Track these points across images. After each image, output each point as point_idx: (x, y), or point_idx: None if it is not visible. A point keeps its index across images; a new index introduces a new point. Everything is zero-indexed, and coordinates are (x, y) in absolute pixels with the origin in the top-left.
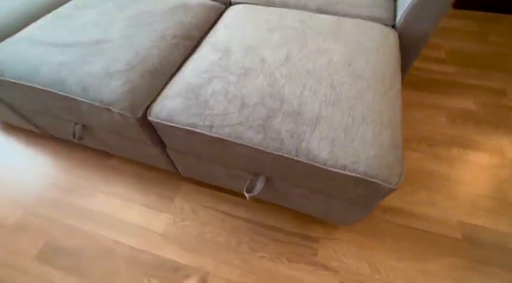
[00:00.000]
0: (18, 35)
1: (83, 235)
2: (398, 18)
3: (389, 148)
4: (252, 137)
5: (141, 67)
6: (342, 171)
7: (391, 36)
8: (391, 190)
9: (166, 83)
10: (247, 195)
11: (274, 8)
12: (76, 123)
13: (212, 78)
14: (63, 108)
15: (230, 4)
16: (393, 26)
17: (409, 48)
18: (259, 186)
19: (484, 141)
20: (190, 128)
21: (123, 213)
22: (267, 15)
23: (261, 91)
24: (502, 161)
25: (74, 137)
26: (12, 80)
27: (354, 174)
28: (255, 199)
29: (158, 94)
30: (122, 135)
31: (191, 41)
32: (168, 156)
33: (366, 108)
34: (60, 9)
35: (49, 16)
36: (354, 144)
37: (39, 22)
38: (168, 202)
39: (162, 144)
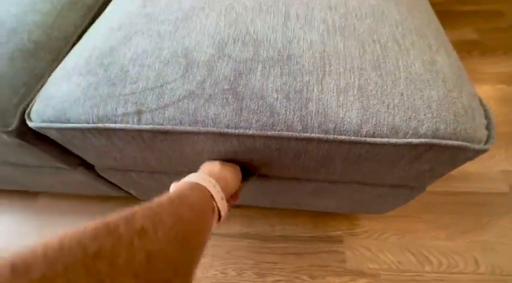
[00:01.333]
0: None
1: None
2: None
3: (455, 82)
4: (216, 114)
5: (7, 45)
6: (390, 140)
7: None
8: (478, 153)
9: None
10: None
11: None
12: None
13: (131, 35)
14: None
15: None
16: None
17: None
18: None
19: (496, 71)
20: (102, 125)
21: None
22: None
23: (217, 36)
24: None
25: None
26: None
27: (413, 140)
28: (249, 206)
29: (44, 83)
30: (12, 164)
31: None
32: (105, 179)
33: (396, 28)
34: None
35: None
36: (398, 86)
37: None
38: None
39: (85, 163)
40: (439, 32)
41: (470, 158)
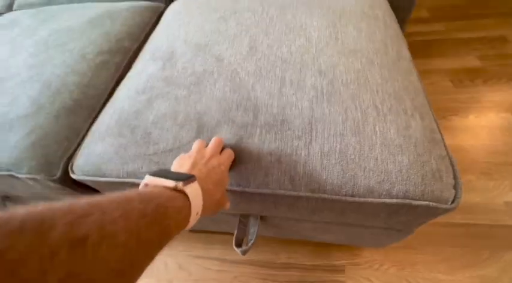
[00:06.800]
0: None
1: None
2: None
3: (426, 146)
4: None
5: (54, 105)
6: (367, 199)
7: None
8: (446, 211)
9: (95, 119)
10: (238, 250)
11: None
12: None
13: (153, 99)
14: None
15: (171, 0)
16: None
17: (398, 5)
18: (252, 231)
19: (500, 99)
20: (130, 180)
21: None
22: (216, 3)
23: (223, 102)
24: None
25: None
26: None
27: (386, 200)
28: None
29: (83, 137)
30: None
31: (125, 55)
32: None
33: (376, 93)
34: None
35: None
36: (374, 151)
37: None
38: None
39: None
40: (417, 93)
41: (442, 214)
